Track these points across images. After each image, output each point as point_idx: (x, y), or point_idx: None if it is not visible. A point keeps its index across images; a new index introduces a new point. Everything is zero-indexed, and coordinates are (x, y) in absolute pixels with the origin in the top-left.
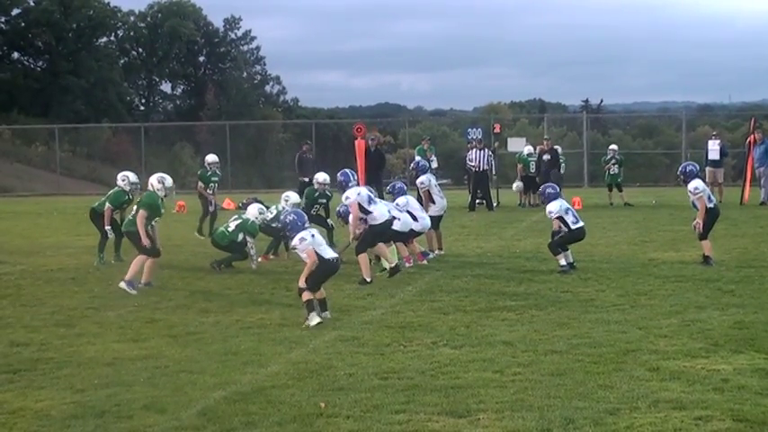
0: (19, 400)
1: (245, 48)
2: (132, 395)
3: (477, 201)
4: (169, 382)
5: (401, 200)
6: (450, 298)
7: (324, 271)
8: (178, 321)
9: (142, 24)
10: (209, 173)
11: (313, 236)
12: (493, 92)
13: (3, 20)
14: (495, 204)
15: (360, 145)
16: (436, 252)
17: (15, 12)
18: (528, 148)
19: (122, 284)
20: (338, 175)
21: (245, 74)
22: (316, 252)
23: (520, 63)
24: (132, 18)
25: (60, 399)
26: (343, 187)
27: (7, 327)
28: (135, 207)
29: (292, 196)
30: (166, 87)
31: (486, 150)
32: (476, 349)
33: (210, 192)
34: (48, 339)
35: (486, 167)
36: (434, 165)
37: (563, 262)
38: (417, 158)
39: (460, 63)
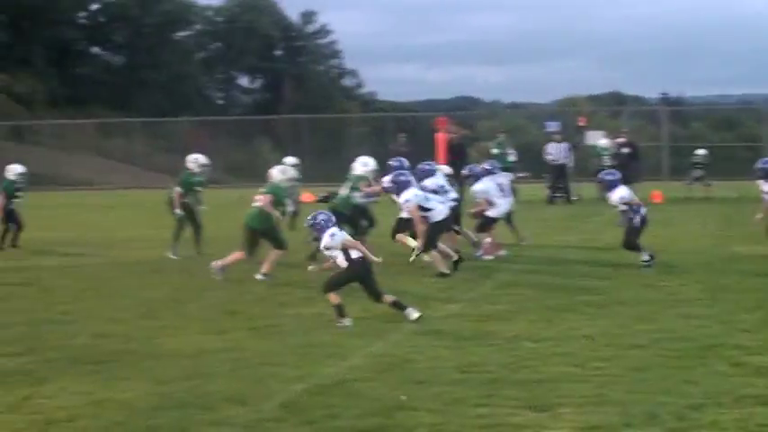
0: (104, 391)
1: (322, 42)
2: (214, 387)
3: (557, 194)
4: (251, 375)
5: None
6: (530, 291)
7: (353, 272)
8: (259, 314)
9: (219, 19)
10: (16, 185)
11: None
12: (570, 84)
13: (82, 15)
14: (573, 198)
15: (441, 138)
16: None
17: (94, 7)
18: (604, 141)
19: (258, 276)
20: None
21: (322, 67)
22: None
23: (597, 55)
24: (209, 13)
25: (144, 390)
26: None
27: (91, 318)
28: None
29: (370, 162)
30: (244, 81)
31: (565, 143)
32: (557, 343)
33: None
34: (131, 331)
35: (564, 160)
36: (512, 158)
37: (645, 257)
38: (471, 165)
39: (537, 56)
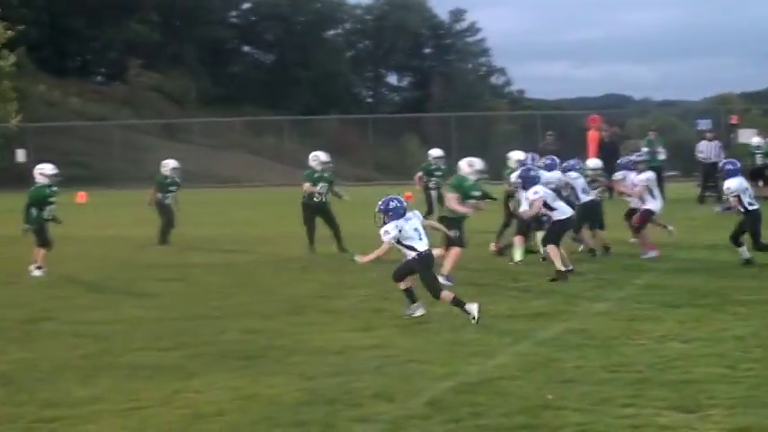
0: (252, 386)
1: (471, 39)
2: (362, 383)
3: (708, 193)
4: (397, 372)
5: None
6: (679, 291)
7: (418, 264)
8: None
9: (369, 17)
10: (169, 180)
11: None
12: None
13: (234, 14)
14: (724, 197)
15: (593, 136)
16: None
17: (246, 6)
18: (757, 140)
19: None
20: (523, 171)
21: (470, 65)
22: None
23: (750, 52)
24: (359, 11)
25: (291, 386)
26: (530, 183)
27: (242, 314)
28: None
29: (515, 155)
30: (393, 79)
31: (717, 142)
32: (706, 344)
33: (169, 200)
34: (280, 327)
35: (716, 159)
36: (662, 156)
37: (745, 254)
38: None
39: (688, 52)
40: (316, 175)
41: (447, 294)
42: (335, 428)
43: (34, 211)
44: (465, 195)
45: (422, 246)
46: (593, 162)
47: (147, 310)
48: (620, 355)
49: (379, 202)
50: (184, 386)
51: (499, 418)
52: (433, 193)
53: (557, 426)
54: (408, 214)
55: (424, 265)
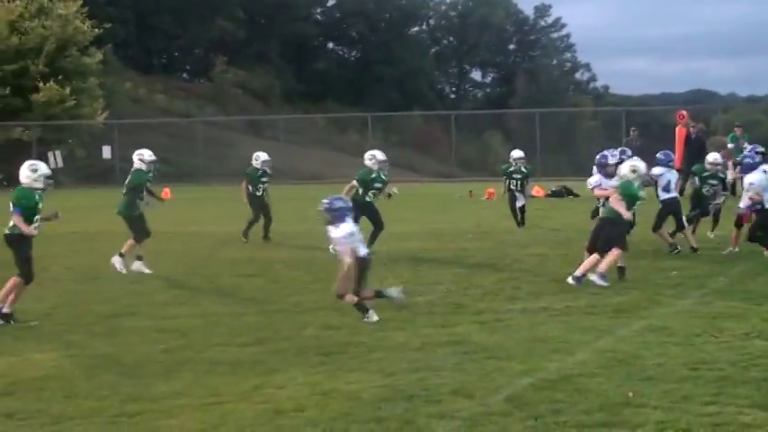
0: (330, 382)
1: (556, 35)
2: (441, 380)
3: None
4: (477, 368)
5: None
6: (761, 289)
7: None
8: (485, 308)
9: (453, 13)
10: (260, 172)
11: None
12: None
13: (318, 11)
14: None
15: (681, 132)
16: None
17: (331, 3)
18: None
19: (593, 277)
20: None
21: (554, 61)
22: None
23: None
24: (443, 7)
25: (370, 382)
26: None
27: (321, 310)
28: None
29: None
30: (476, 75)
31: None
32: None
33: (260, 193)
34: (358, 323)
35: None
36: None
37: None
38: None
39: None
40: (372, 176)
41: (352, 298)
42: (414, 425)
43: (134, 198)
44: (365, 187)
45: (363, 251)
46: (713, 156)
47: (227, 305)
48: (702, 353)
49: (325, 201)
50: (264, 382)
51: (579, 415)
52: (518, 194)
53: (637, 423)
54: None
55: (365, 268)
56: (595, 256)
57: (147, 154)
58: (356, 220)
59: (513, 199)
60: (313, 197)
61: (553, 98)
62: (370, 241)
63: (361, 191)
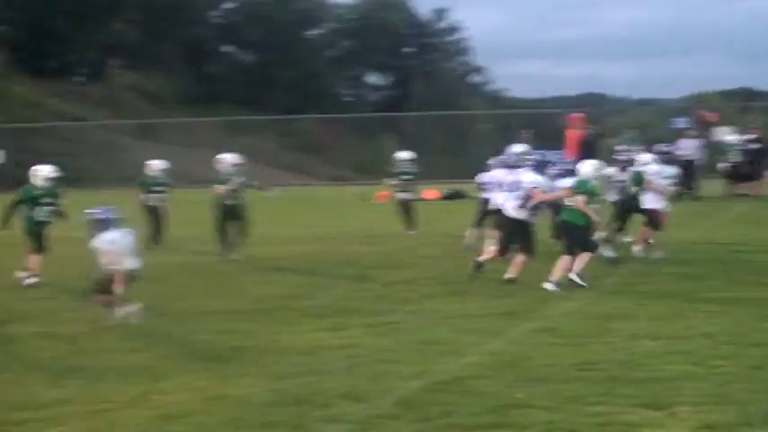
0: (220, 387)
1: (453, 39)
2: (330, 384)
3: (684, 190)
4: (367, 371)
5: None
6: (649, 289)
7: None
8: (376, 311)
9: (351, 16)
10: (153, 180)
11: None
12: (699, 80)
13: (215, 14)
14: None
15: (573, 134)
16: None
17: (227, 6)
18: (732, 137)
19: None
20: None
21: (451, 65)
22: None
23: (726, 51)
24: (341, 11)
25: (260, 386)
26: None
27: (211, 314)
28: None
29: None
30: (373, 79)
31: (699, 140)
32: (675, 341)
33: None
34: (249, 328)
35: (693, 156)
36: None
37: None
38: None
39: (665, 51)
40: (224, 177)
41: (101, 298)
42: (304, 429)
43: (24, 210)
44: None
45: (130, 263)
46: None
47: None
48: (590, 353)
49: (90, 210)
50: (153, 387)
51: (469, 416)
52: (405, 196)
53: (525, 424)
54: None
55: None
56: (566, 258)
57: (43, 172)
58: (224, 225)
59: (400, 202)
60: (206, 201)
61: (449, 101)
62: (231, 246)
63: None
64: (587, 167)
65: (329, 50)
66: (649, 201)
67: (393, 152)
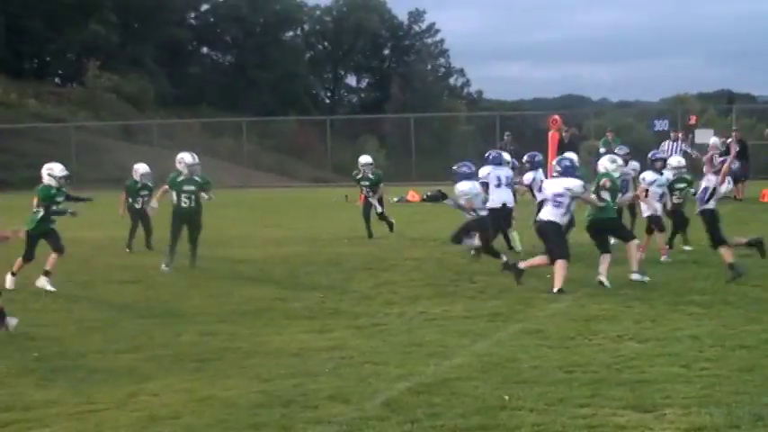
0: (207, 389)
1: (430, 40)
2: (318, 385)
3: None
4: (354, 373)
5: None
6: (635, 291)
7: None
8: (363, 312)
9: (328, 18)
10: (139, 185)
11: None
12: (679, 82)
13: (193, 15)
14: None
15: (553, 137)
16: None
17: (205, 7)
18: (714, 140)
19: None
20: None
21: (429, 66)
22: None
23: (707, 53)
24: (318, 12)
25: (247, 388)
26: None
27: (197, 316)
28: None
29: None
30: (352, 81)
31: (681, 142)
32: (662, 343)
33: (139, 205)
34: (236, 329)
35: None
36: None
37: None
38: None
39: (645, 53)
40: (179, 179)
41: None
42: (291, 430)
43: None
44: (176, 191)
45: None
46: (676, 160)
47: (102, 312)
48: (576, 355)
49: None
50: (139, 389)
51: (455, 418)
52: (373, 202)
53: (513, 426)
54: None
55: None
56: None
57: (57, 169)
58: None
59: (367, 207)
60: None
61: (428, 103)
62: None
63: (174, 195)
64: (606, 162)
65: (307, 52)
66: (644, 210)
67: (374, 154)
